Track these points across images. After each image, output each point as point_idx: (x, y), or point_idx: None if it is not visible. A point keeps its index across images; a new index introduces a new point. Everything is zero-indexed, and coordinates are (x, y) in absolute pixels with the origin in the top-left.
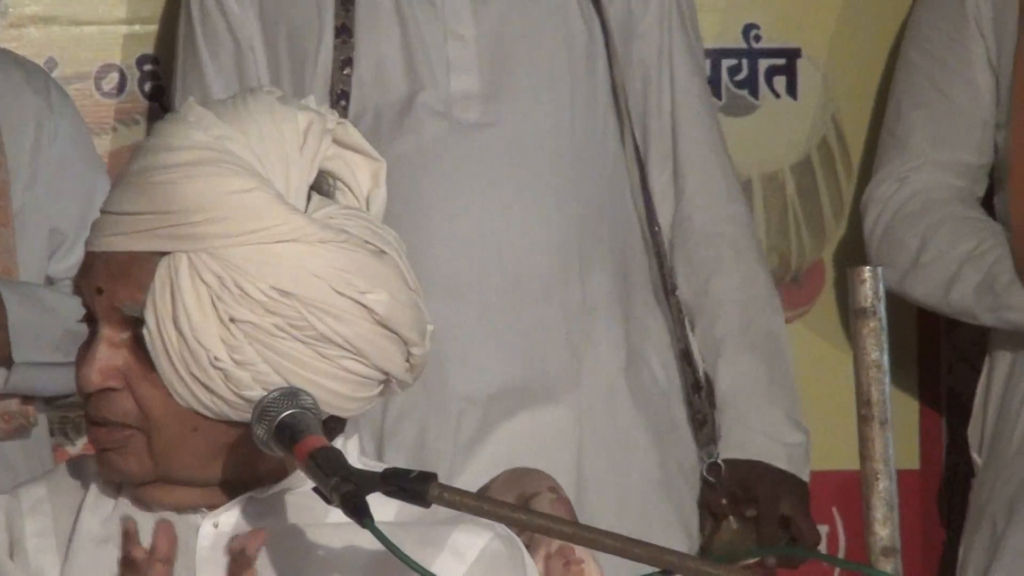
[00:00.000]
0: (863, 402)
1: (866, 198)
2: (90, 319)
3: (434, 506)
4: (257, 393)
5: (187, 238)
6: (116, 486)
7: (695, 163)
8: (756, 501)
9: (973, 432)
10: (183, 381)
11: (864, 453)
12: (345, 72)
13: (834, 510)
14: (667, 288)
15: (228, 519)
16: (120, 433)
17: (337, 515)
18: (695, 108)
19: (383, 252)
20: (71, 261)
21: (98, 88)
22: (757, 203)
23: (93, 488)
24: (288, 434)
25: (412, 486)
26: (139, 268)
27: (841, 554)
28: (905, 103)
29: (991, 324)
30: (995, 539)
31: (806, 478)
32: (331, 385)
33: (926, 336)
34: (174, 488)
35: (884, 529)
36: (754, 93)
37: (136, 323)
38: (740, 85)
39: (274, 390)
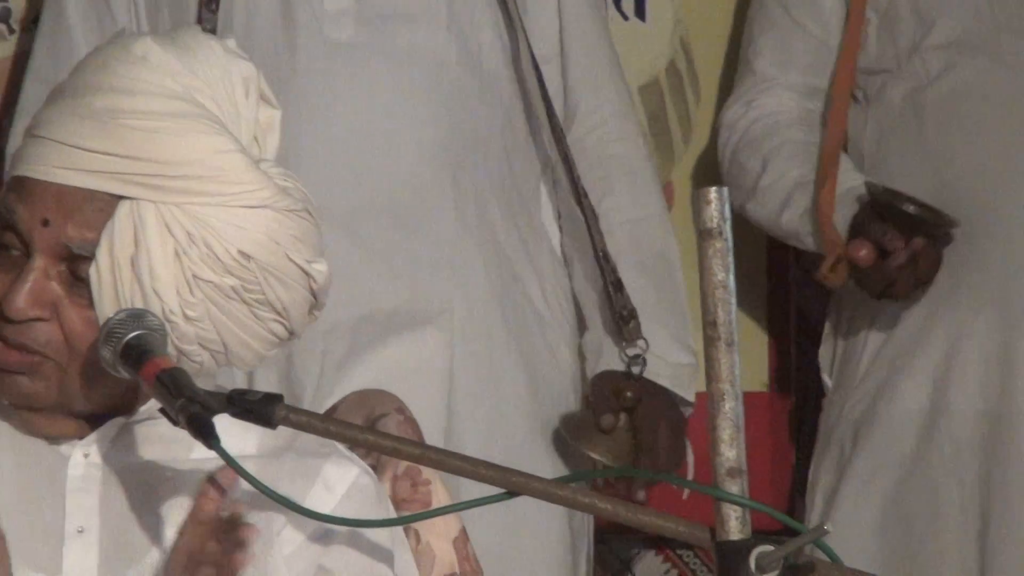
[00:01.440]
0: (709, 323)
1: (718, 123)
2: (8, 239)
3: (293, 436)
4: (195, 348)
5: (158, 189)
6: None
7: (586, 84)
8: (636, 412)
9: (824, 354)
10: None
11: (710, 374)
12: (211, 8)
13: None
14: (578, 194)
15: (97, 449)
16: (34, 358)
17: (200, 450)
18: (584, 26)
19: (314, 216)
20: None
21: None
22: None
23: None
24: (135, 355)
25: (258, 407)
26: (93, 207)
27: (690, 476)
28: (756, 27)
29: (816, 250)
30: (842, 462)
31: (691, 399)
32: (254, 344)
33: (775, 257)
34: (57, 419)
35: (730, 450)
36: (604, 13)
37: (75, 259)
38: None
39: (120, 311)
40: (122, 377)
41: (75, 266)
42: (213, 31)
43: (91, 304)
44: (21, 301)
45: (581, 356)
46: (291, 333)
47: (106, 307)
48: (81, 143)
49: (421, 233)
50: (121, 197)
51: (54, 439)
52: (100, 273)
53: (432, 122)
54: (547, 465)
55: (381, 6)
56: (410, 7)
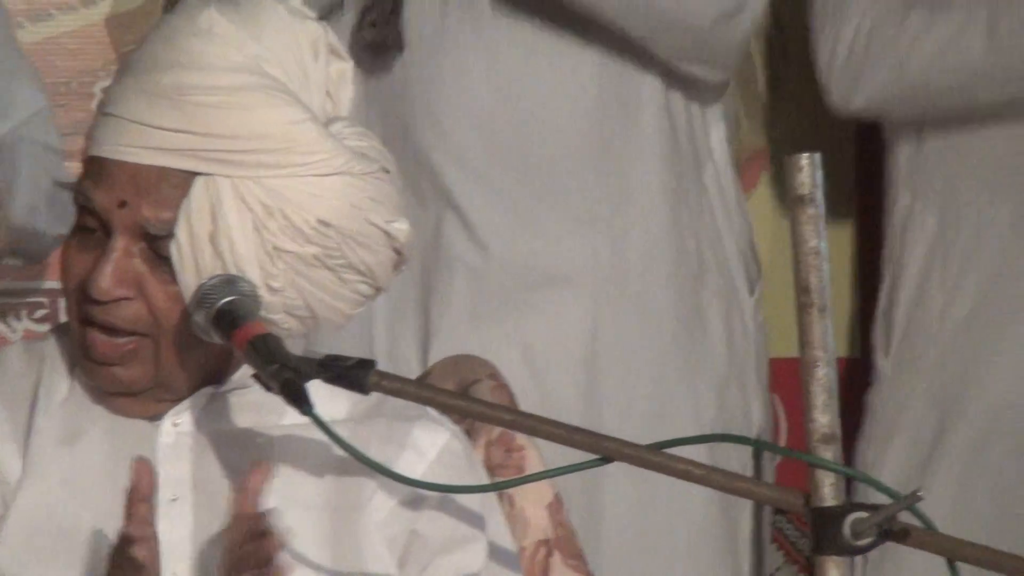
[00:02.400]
0: (802, 289)
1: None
2: (89, 222)
3: (382, 400)
4: (281, 317)
5: (232, 164)
6: (67, 373)
7: None
8: None
9: (880, 335)
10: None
11: (804, 340)
12: None
13: (775, 398)
14: None
15: (187, 418)
16: (127, 346)
17: (292, 416)
18: None
19: (391, 174)
20: None
21: None
22: None
23: (46, 375)
24: (228, 321)
25: (351, 373)
26: (169, 185)
27: (782, 443)
28: None
29: None
30: (920, 447)
31: None
32: (341, 306)
33: (865, 223)
34: (153, 403)
35: (824, 416)
36: None
37: (154, 238)
38: None
39: (213, 277)
40: (214, 343)
41: (155, 245)
42: None
43: (175, 280)
44: (105, 282)
45: (740, 314)
46: (377, 290)
47: (189, 283)
48: (151, 121)
49: (565, 187)
50: (195, 174)
51: (150, 417)
52: (181, 251)
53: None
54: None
55: None
56: None
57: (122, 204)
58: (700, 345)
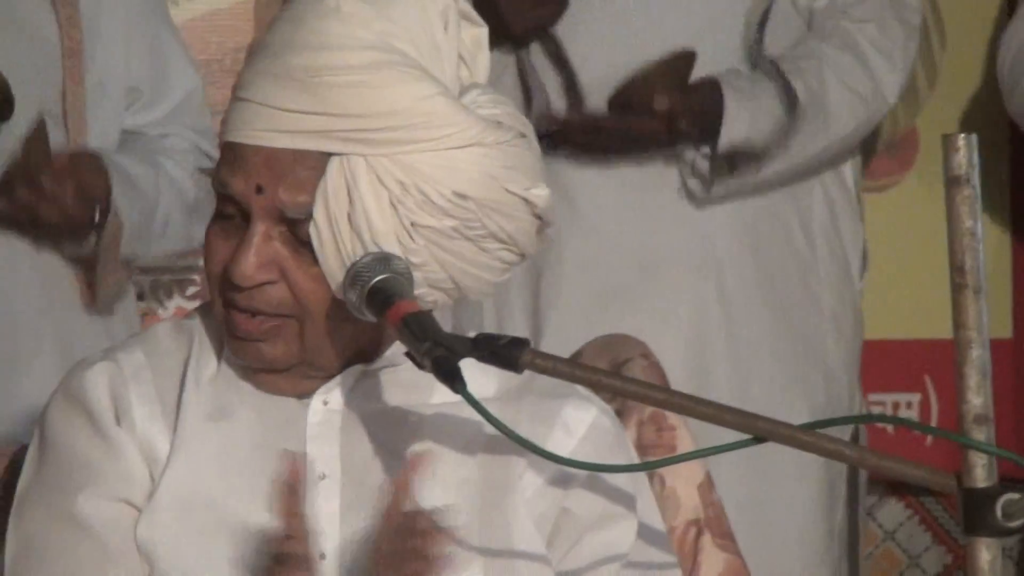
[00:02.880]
0: (957, 269)
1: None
2: (228, 209)
3: (530, 379)
4: (425, 291)
5: (365, 142)
6: (216, 351)
7: None
8: None
9: None
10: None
11: (958, 321)
12: None
13: (927, 378)
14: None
15: (336, 396)
16: (271, 322)
17: (441, 394)
18: None
19: (528, 139)
20: (150, 117)
21: None
22: None
23: (194, 353)
24: (381, 298)
25: (505, 351)
26: (304, 168)
27: (933, 423)
28: None
29: None
30: None
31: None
32: (485, 275)
33: (1020, 204)
34: (301, 379)
35: (977, 397)
36: None
37: (293, 221)
38: None
39: (367, 254)
40: (367, 320)
41: (295, 228)
42: None
43: (316, 262)
44: (247, 267)
45: (845, 299)
46: (522, 256)
47: (331, 264)
48: (283, 104)
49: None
50: (330, 154)
51: (298, 395)
52: (320, 233)
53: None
54: (801, 411)
55: None
56: None
57: (259, 189)
58: (811, 332)
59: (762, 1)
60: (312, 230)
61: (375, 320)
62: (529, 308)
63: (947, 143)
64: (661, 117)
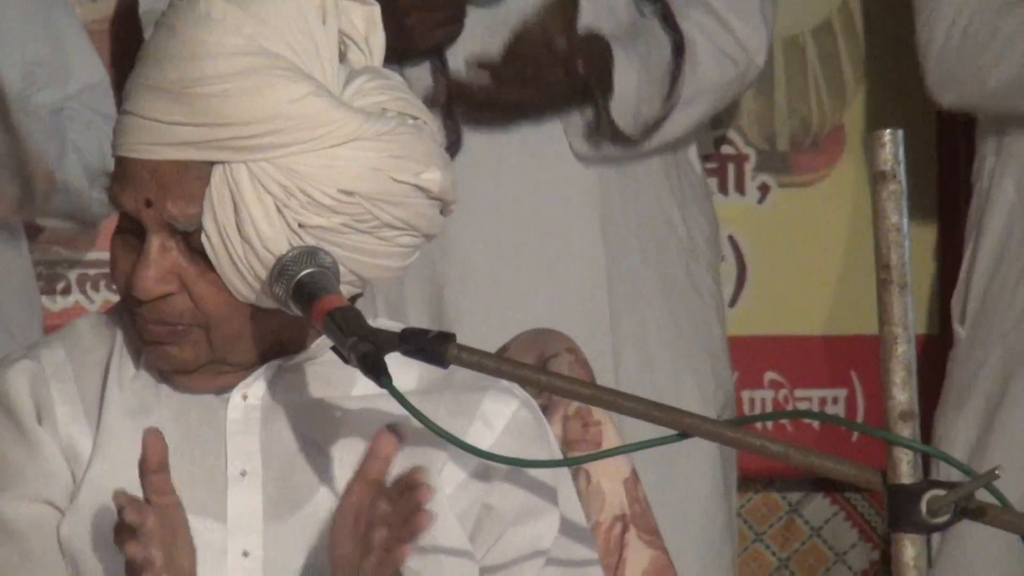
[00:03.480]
0: (883, 265)
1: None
2: (125, 223)
3: (452, 371)
4: None
5: (244, 149)
6: (137, 349)
7: None
8: None
9: (957, 302)
10: (247, 283)
11: (883, 317)
12: None
13: (853, 374)
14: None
15: (256, 391)
16: (178, 328)
17: (362, 386)
18: None
19: (419, 121)
20: (48, 99)
21: None
22: (778, 67)
23: (116, 350)
24: (307, 293)
25: (431, 346)
26: (190, 179)
27: (859, 419)
28: None
29: None
30: (988, 414)
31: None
32: (386, 262)
33: (946, 199)
34: (216, 376)
35: (903, 393)
36: None
37: (185, 232)
38: None
39: (293, 249)
40: (292, 314)
41: (188, 238)
42: None
43: (214, 269)
44: (146, 281)
45: (719, 287)
46: (427, 236)
47: (228, 272)
48: (162, 116)
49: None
50: (213, 163)
51: (219, 391)
52: (211, 242)
53: None
54: (693, 400)
55: None
56: None
57: (148, 203)
58: (697, 316)
59: None
60: (204, 240)
61: (301, 315)
62: (429, 296)
63: (873, 139)
64: (560, 60)
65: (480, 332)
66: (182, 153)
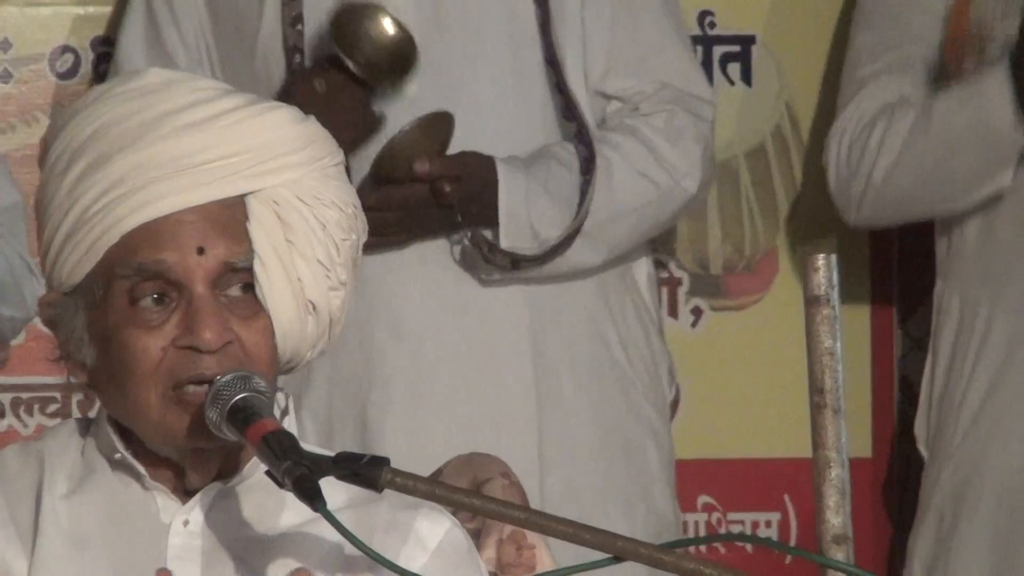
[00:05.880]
0: (816, 390)
1: (825, 146)
2: (147, 292)
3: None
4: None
5: (274, 172)
6: (68, 474)
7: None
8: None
9: (920, 424)
10: (294, 318)
11: (817, 441)
12: (296, 28)
13: (786, 498)
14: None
15: (196, 517)
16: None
17: (292, 510)
18: None
19: None
20: None
21: (52, 69)
22: (712, 191)
23: (47, 475)
24: (241, 417)
25: (365, 471)
26: (233, 214)
27: (793, 542)
28: (851, 60)
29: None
30: (942, 533)
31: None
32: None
33: (880, 324)
34: (203, 466)
35: (837, 517)
36: (709, 80)
37: (233, 274)
38: None
39: (227, 373)
40: (227, 439)
41: (231, 281)
42: (296, 48)
43: (255, 314)
44: (214, 329)
45: (662, 412)
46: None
47: (282, 299)
48: (192, 159)
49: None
50: (244, 195)
51: (189, 486)
52: (268, 271)
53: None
54: (620, 526)
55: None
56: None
57: (200, 251)
58: (632, 442)
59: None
60: (257, 268)
61: (236, 438)
62: (356, 415)
63: (807, 263)
64: (423, 182)
65: (404, 451)
66: (221, 189)
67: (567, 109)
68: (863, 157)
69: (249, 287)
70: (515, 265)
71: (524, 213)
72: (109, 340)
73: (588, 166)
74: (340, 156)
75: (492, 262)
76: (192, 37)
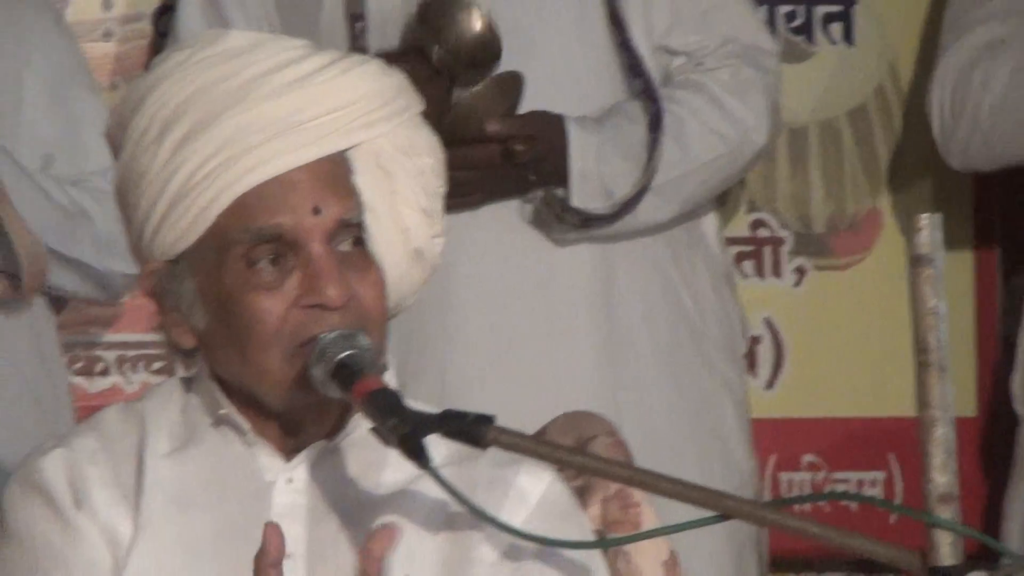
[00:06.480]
0: (921, 349)
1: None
2: (263, 254)
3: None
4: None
5: (375, 124)
6: (170, 434)
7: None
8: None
9: (1017, 382)
10: (404, 267)
11: (922, 400)
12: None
13: (891, 457)
14: None
15: (300, 474)
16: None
17: (394, 468)
18: None
19: None
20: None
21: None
22: (813, 150)
23: (149, 436)
24: (346, 375)
25: (470, 428)
26: (340, 170)
27: (898, 501)
28: (952, 9)
29: None
30: None
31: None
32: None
33: (983, 282)
34: (311, 427)
35: (943, 476)
36: (810, 39)
37: (344, 230)
38: (796, 32)
39: (332, 331)
40: (332, 396)
41: (343, 236)
42: (358, 17)
43: (368, 266)
44: (337, 285)
45: (736, 365)
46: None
47: (394, 251)
48: (295, 118)
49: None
50: (346, 149)
51: (296, 447)
52: (379, 223)
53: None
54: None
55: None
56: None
57: (316, 211)
58: (706, 398)
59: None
60: (369, 220)
61: (340, 396)
62: (432, 380)
63: (911, 222)
64: (494, 142)
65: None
66: (328, 144)
67: (632, 66)
68: (966, 98)
69: (358, 241)
70: (586, 224)
71: (594, 171)
72: (226, 304)
73: (656, 122)
74: (422, 104)
75: (564, 221)
76: (253, 8)
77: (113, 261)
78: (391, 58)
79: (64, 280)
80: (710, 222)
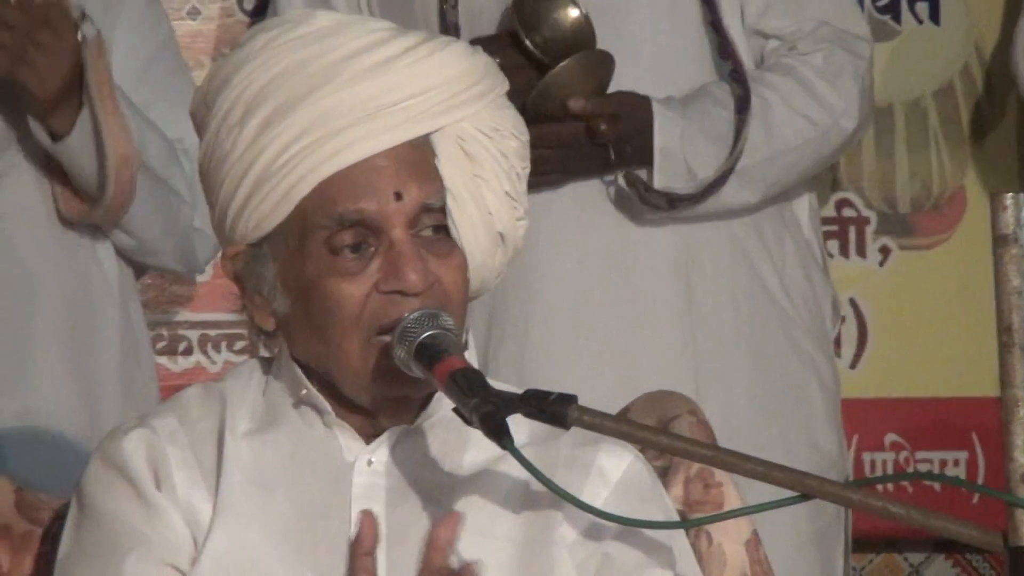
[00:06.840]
0: (1004, 329)
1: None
2: (345, 240)
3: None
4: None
5: (456, 108)
6: (250, 415)
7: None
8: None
9: None
10: (487, 251)
11: (1004, 380)
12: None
13: (974, 436)
14: None
15: (380, 456)
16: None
17: (475, 449)
18: None
19: None
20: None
21: (240, 6)
22: (899, 129)
23: (229, 417)
24: (428, 355)
25: (552, 408)
26: (422, 155)
27: (980, 482)
28: None
29: None
30: None
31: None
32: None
33: None
34: (396, 413)
35: None
36: (897, 19)
37: (426, 215)
38: (883, 11)
39: (415, 311)
40: (414, 376)
41: (426, 221)
42: (455, 28)
43: (450, 251)
44: (418, 271)
45: (824, 348)
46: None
47: (477, 236)
48: (380, 102)
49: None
50: (428, 134)
51: (375, 430)
52: (461, 208)
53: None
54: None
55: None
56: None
57: (398, 196)
58: (794, 381)
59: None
60: (451, 205)
61: (423, 376)
62: (513, 355)
63: (995, 202)
64: (578, 119)
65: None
66: (412, 128)
67: (722, 48)
68: None
69: (441, 226)
70: (671, 204)
71: (679, 152)
72: (307, 289)
73: (743, 105)
74: (507, 84)
75: (648, 202)
76: None
77: (198, 217)
78: (484, 44)
79: (146, 224)
80: (803, 205)
